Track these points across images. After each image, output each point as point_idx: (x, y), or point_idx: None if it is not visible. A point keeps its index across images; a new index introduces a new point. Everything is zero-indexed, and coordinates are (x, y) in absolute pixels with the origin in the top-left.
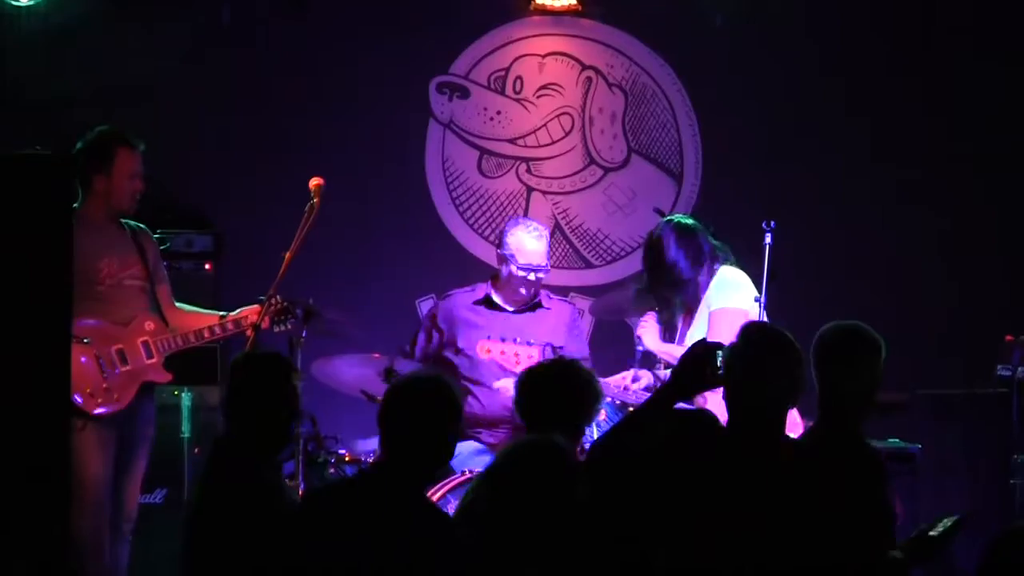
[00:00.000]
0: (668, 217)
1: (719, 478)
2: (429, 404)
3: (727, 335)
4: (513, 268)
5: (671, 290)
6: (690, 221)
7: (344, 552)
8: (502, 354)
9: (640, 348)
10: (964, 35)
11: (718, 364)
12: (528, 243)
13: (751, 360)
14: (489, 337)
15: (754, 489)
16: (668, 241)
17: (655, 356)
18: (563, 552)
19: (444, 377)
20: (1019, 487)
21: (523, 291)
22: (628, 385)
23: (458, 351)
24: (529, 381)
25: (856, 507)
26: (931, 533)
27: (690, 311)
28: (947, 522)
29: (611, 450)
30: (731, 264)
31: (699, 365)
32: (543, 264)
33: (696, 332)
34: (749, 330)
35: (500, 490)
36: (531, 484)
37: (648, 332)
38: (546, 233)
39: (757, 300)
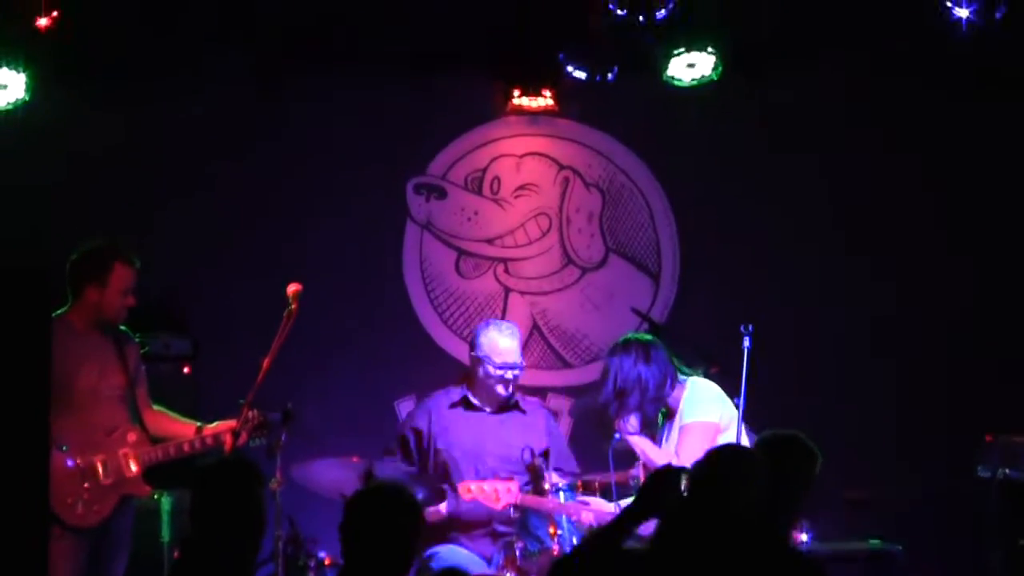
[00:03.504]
0: (625, 337)
1: None
2: (388, 515)
3: (698, 449)
4: (490, 368)
5: (647, 407)
6: (648, 337)
7: None
8: (483, 492)
9: (617, 436)
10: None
11: (682, 488)
12: (501, 342)
13: (714, 484)
14: (471, 476)
15: None
16: (648, 357)
17: (631, 450)
18: None
19: (404, 487)
20: None
21: (500, 391)
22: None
23: (437, 452)
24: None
25: None
26: None
27: (667, 418)
28: None
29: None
30: (700, 375)
31: (663, 489)
32: (519, 361)
33: (671, 442)
34: (711, 455)
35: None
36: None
37: (631, 426)
38: (518, 331)
39: (737, 404)
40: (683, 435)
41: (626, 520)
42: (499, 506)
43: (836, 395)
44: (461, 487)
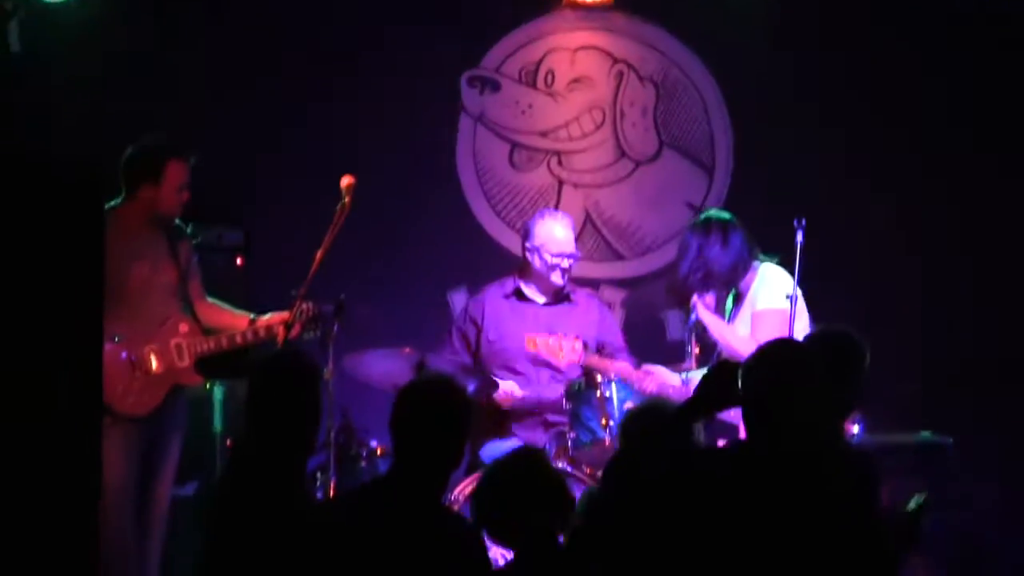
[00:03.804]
0: (706, 214)
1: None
2: (438, 409)
3: (771, 335)
4: (546, 257)
5: (720, 288)
6: (729, 215)
7: (360, 561)
8: (548, 347)
9: (694, 316)
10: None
11: (738, 383)
12: (557, 231)
13: (766, 381)
14: (535, 330)
15: (775, 510)
16: (717, 239)
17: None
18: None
19: (453, 380)
20: None
21: (556, 279)
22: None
23: (490, 343)
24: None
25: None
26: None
27: (736, 302)
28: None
29: (627, 471)
30: (772, 261)
31: (722, 384)
32: (573, 251)
33: (741, 326)
34: (764, 350)
35: (482, 507)
36: (509, 499)
37: (704, 304)
38: (571, 221)
39: (789, 298)
40: (757, 322)
41: (685, 417)
42: (562, 362)
43: (888, 289)
44: (527, 340)
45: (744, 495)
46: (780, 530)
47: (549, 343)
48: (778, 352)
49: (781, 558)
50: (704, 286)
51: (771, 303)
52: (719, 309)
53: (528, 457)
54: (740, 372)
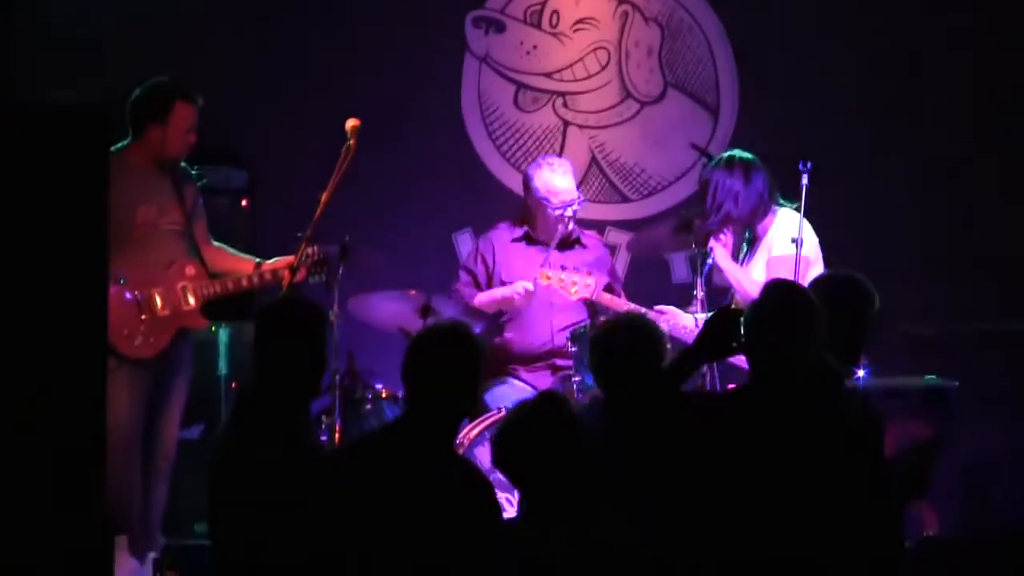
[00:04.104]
0: (729, 153)
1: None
2: (451, 356)
3: None
4: (550, 209)
5: (739, 228)
6: (752, 156)
7: (373, 507)
8: (560, 281)
9: (711, 261)
10: None
11: (740, 330)
12: (557, 181)
13: (767, 322)
14: (548, 264)
15: (777, 448)
16: (740, 177)
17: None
18: (587, 505)
19: (465, 326)
20: None
21: (562, 228)
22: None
23: (503, 285)
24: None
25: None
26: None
27: (751, 246)
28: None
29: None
30: (792, 207)
31: (724, 330)
32: (576, 197)
33: (755, 270)
34: (767, 290)
35: (505, 449)
36: (532, 442)
37: (721, 248)
38: (569, 166)
39: (795, 240)
40: (772, 268)
41: (688, 363)
42: (573, 297)
43: (895, 232)
44: (540, 273)
45: (746, 435)
46: (781, 470)
47: (562, 278)
48: (780, 294)
49: (782, 497)
50: (723, 224)
51: (788, 249)
52: (734, 252)
53: (555, 402)
54: (744, 315)
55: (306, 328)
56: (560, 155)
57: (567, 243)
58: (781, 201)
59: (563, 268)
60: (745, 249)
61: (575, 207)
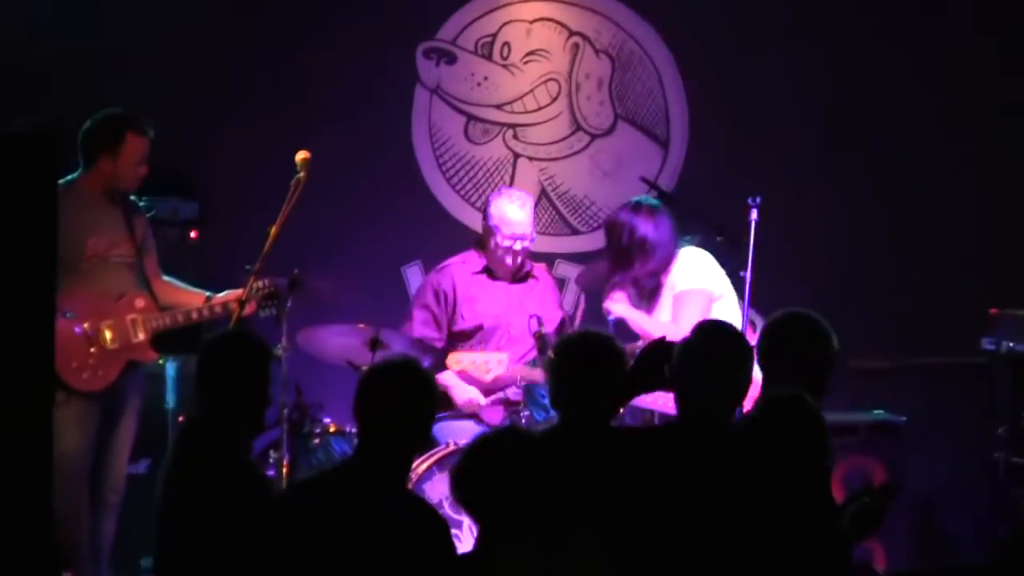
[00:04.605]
0: (636, 200)
1: (671, 474)
2: (402, 393)
3: (696, 315)
4: (498, 239)
5: (647, 271)
6: (656, 202)
7: (325, 544)
8: (472, 363)
9: (611, 318)
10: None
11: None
12: (511, 212)
13: (698, 359)
14: (508, 309)
15: (703, 482)
16: (648, 222)
17: (626, 326)
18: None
19: (415, 362)
20: (1002, 460)
21: (508, 261)
22: None
23: (463, 319)
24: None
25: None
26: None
27: (654, 293)
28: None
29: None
30: (691, 244)
31: (655, 363)
32: (527, 233)
33: (663, 312)
34: (700, 328)
35: (465, 484)
36: (496, 477)
37: (618, 302)
38: (529, 201)
39: (743, 276)
40: (679, 303)
41: (624, 393)
42: (488, 379)
43: (842, 269)
44: (450, 359)
45: (670, 471)
46: (712, 506)
47: (475, 361)
48: (709, 333)
49: (718, 533)
50: (620, 276)
51: (690, 283)
52: (646, 299)
53: (517, 436)
54: (676, 350)
55: (250, 363)
56: (510, 186)
57: (519, 277)
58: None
59: (471, 349)
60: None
61: (524, 243)
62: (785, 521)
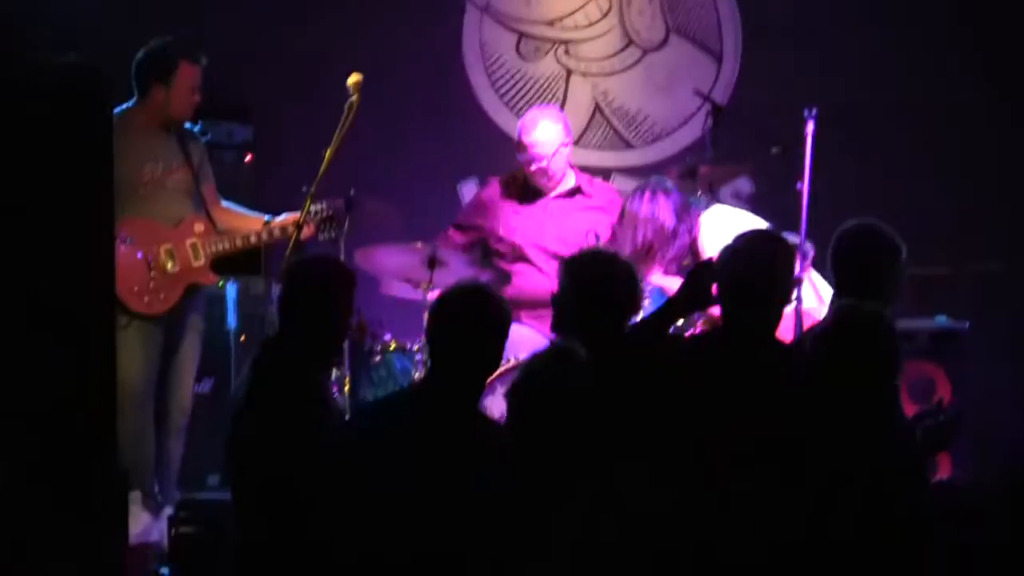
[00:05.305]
0: (644, 186)
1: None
2: (475, 319)
3: None
4: (520, 158)
5: (671, 258)
6: (655, 183)
7: (396, 468)
8: None
9: (648, 286)
10: None
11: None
12: (522, 134)
13: (740, 272)
14: (544, 224)
15: (757, 394)
16: (655, 210)
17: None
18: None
19: (487, 287)
20: None
21: (537, 180)
22: None
23: (500, 239)
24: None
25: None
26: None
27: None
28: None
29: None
30: (704, 204)
31: (699, 284)
32: (541, 153)
33: None
34: (742, 242)
35: (522, 408)
36: (550, 400)
37: (656, 275)
38: (545, 121)
39: (800, 188)
40: None
41: (670, 312)
42: None
43: (901, 174)
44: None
45: (719, 382)
46: (780, 427)
47: None
48: (755, 238)
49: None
50: (656, 255)
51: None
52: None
53: (568, 355)
54: (719, 259)
55: (336, 290)
56: (563, 104)
57: (566, 193)
58: (692, 200)
59: (559, 227)
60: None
61: (540, 164)
62: (858, 438)
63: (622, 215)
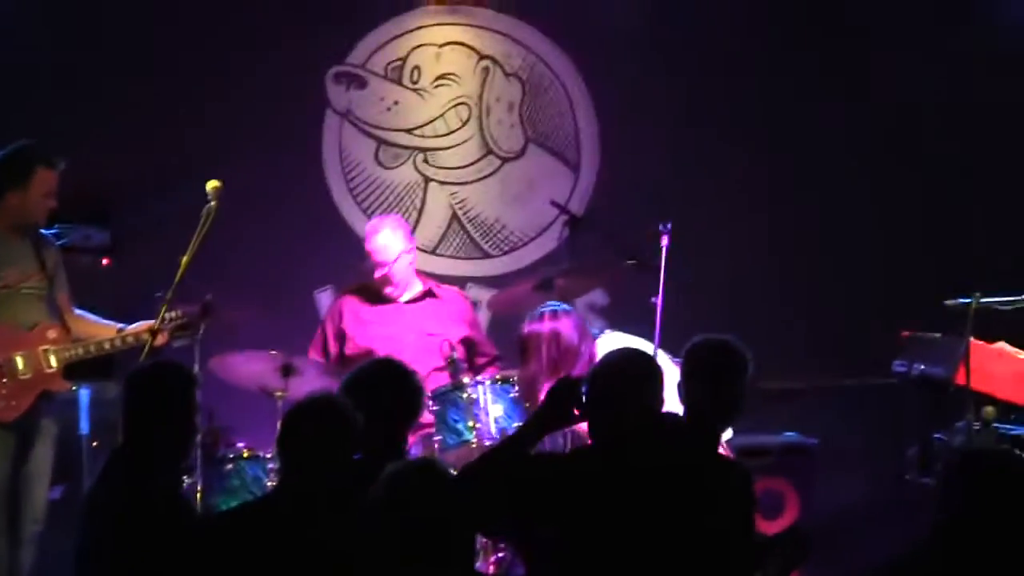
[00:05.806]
0: (542, 308)
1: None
2: (327, 429)
3: None
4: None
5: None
6: (561, 305)
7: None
8: None
9: None
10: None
11: (583, 399)
12: (368, 241)
13: (607, 388)
14: (398, 329)
15: (621, 509)
16: (568, 327)
17: None
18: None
19: (338, 398)
20: (914, 482)
21: (384, 286)
22: None
23: (357, 346)
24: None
25: (722, 526)
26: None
27: None
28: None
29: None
30: (602, 333)
31: (565, 400)
32: (383, 259)
33: None
34: (607, 358)
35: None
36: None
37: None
38: (386, 228)
39: (653, 301)
40: None
41: (532, 430)
42: None
43: (754, 291)
44: None
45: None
46: (645, 534)
47: None
48: (623, 356)
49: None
50: (561, 371)
51: None
52: None
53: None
54: (587, 379)
55: (176, 393)
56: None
57: (414, 298)
58: (595, 333)
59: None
60: None
61: (383, 270)
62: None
63: (522, 341)
